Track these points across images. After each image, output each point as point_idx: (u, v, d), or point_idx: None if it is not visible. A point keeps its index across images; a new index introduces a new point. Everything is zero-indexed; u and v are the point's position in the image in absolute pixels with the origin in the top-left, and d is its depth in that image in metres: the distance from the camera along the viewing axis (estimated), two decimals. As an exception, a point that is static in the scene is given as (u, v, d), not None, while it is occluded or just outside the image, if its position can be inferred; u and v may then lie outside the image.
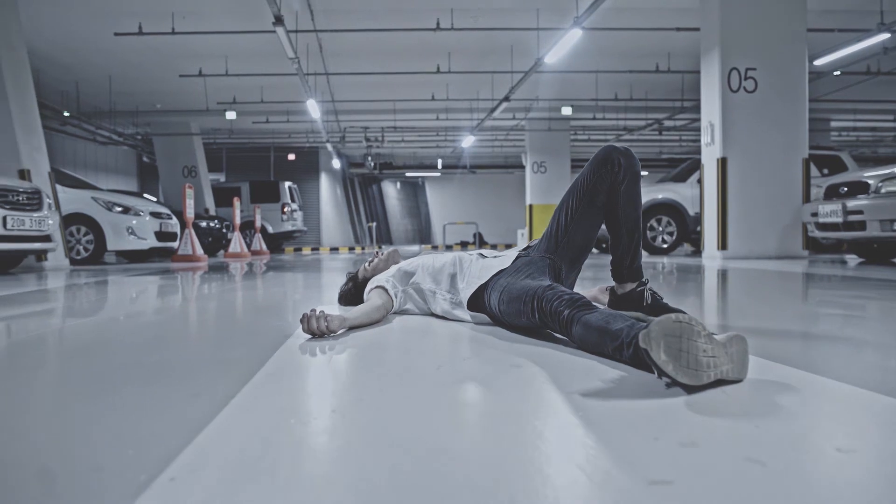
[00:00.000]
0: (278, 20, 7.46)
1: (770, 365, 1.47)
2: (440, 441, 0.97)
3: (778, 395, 1.20)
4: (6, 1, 8.06)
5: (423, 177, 29.16)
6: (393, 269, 2.60)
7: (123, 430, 1.07)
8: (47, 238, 6.64)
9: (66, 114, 13.87)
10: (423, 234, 29.83)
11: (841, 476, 0.82)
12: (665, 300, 2.22)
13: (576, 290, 2.21)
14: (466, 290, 2.25)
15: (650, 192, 10.99)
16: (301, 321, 1.94)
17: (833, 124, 17.92)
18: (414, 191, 30.81)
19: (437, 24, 9.26)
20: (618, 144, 2.14)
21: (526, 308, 1.86)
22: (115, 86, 13.29)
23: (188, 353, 1.92)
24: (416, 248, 20.81)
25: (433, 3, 9.14)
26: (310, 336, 1.96)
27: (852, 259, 7.46)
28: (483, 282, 2.19)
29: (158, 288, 4.71)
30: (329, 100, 14.59)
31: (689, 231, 10.35)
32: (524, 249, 2.31)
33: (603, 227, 2.26)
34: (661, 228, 10.73)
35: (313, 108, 12.54)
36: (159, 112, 16.26)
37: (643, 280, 2.22)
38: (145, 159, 21.94)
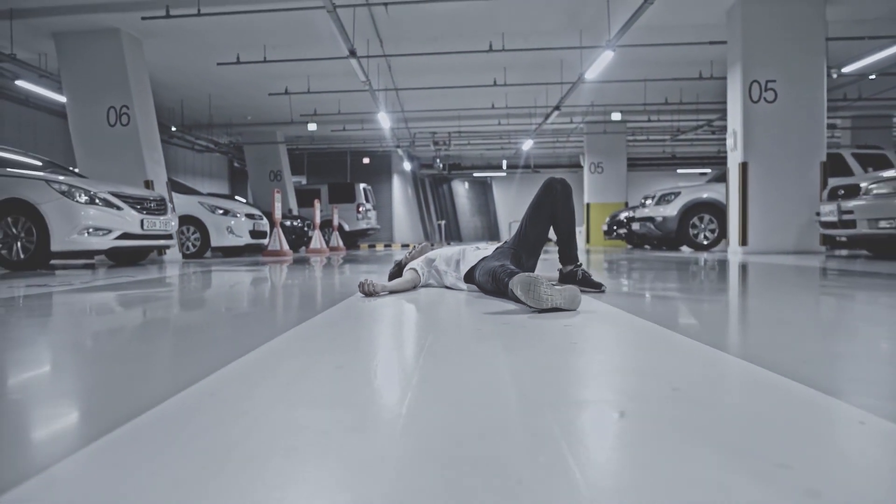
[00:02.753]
0: (352, 53, 8.89)
1: (601, 305, 2.66)
2: (425, 321, 2.23)
3: (582, 315, 2.38)
4: (135, 41, 9.87)
5: (490, 176, 30.32)
6: (423, 257, 3.87)
7: (254, 331, 2.38)
8: (169, 236, 8.30)
9: (173, 128, 15.97)
10: (491, 232, 30.92)
11: (549, 327, 2.01)
12: (593, 276, 3.40)
13: (538, 270, 3.42)
14: (464, 270, 3.50)
15: (695, 192, 11.73)
16: (358, 286, 3.25)
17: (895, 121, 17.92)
18: (483, 189, 31.85)
19: (490, 46, 10.46)
20: (556, 176, 3.35)
21: (489, 278, 3.09)
22: (214, 102, 15.24)
23: (288, 301, 3.26)
24: (482, 244, 22.08)
25: (487, 27, 10.34)
26: (363, 295, 3.26)
27: (864, 254, 8.15)
28: (473, 264, 3.43)
29: (257, 274, 6.17)
30: (399, 110, 16.09)
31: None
32: (502, 244, 3.53)
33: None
34: (702, 226, 11.48)
35: (384, 120, 14.02)
36: (250, 123, 18.26)
37: (578, 263, 3.41)
38: (236, 164, 24.27)
